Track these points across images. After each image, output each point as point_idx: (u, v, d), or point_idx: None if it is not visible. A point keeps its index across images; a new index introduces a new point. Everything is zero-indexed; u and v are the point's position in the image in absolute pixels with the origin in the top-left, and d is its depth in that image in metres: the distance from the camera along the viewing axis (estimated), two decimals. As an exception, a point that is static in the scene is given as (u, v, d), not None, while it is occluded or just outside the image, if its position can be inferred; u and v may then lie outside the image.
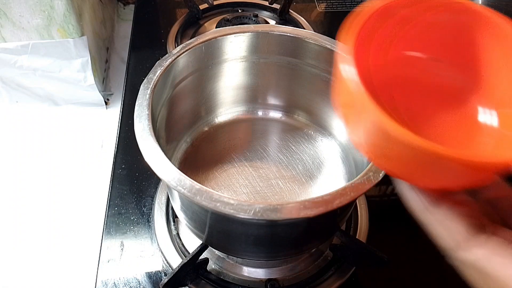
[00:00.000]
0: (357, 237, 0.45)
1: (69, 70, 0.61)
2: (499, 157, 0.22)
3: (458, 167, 0.20)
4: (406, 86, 0.27)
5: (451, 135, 0.26)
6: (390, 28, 0.25)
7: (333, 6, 0.82)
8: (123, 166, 0.53)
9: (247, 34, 0.40)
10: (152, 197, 0.49)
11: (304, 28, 0.72)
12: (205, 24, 0.75)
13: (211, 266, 0.43)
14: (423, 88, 0.27)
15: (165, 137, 0.38)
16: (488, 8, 0.24)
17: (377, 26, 0.24)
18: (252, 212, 0.26)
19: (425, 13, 0.25)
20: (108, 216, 0.48)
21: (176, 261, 0.43)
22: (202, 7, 0.75)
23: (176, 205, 0.37)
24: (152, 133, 0.30)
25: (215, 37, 0.39)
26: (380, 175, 0.29)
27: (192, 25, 0.74)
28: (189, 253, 0.43)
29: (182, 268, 0.38)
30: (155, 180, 0.51)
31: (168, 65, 0.36)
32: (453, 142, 0.25)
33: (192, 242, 0.45)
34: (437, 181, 0.23)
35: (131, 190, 0.51)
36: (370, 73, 0.25)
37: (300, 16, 0.76)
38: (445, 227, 0.22)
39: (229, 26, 0.56)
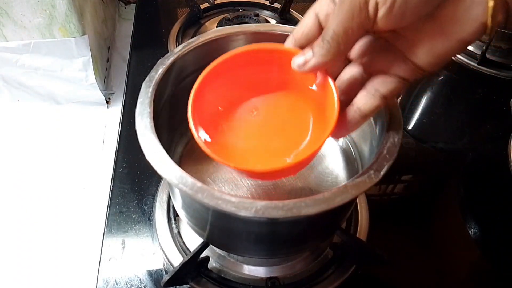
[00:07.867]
0: (357, 235, 0.45)
1: (70, 69, 0.61)
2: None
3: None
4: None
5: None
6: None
7: (334, 5, 0.82)
8: (124, 165, 0.53)
9: (248, 33, 0.40)
10: (153, 196, 0.50)
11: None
12: (206, 24, 0.75)
13: (212, 264, 0.44)
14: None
15: (167, 134, 0.38)
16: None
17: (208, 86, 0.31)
18: (254, 210, 0.26)
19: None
20: (109, 214, 0.48)
21: (177, 259, 0.43)
22: (203, 6, 0.75)
23: (177, 203, 0.37)
24: (154, 131, 0.30)
25: (216, 37, 0.39)
26: (381, 173, 0.29)
27: (193, 25, 0.74)
28: (190, 251, 0.44)
29: (183, 266, 0.38)
30: (156, 179, 0.51)
31: (170, 64, 0.36)
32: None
33: (193, 240, 0.45)
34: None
35: (132, 189, 0.51)
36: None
37: (300, 16, 0.76)
38: None
39: (230, 25, 0.56)
